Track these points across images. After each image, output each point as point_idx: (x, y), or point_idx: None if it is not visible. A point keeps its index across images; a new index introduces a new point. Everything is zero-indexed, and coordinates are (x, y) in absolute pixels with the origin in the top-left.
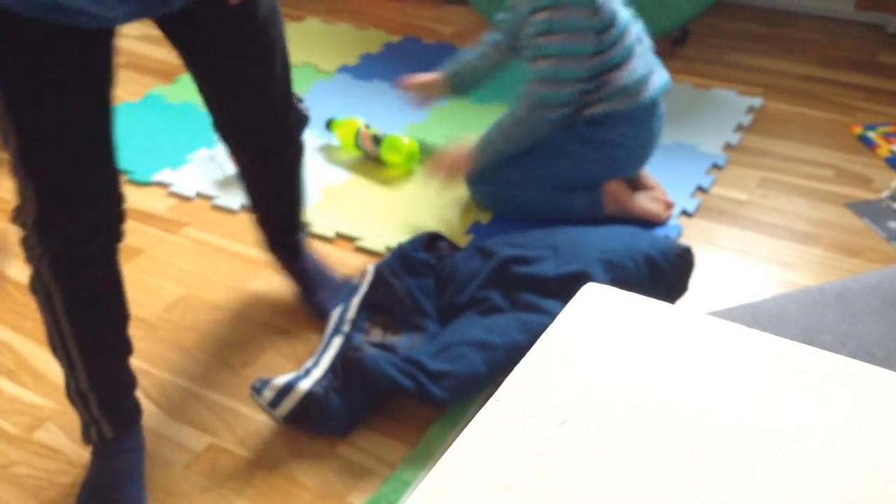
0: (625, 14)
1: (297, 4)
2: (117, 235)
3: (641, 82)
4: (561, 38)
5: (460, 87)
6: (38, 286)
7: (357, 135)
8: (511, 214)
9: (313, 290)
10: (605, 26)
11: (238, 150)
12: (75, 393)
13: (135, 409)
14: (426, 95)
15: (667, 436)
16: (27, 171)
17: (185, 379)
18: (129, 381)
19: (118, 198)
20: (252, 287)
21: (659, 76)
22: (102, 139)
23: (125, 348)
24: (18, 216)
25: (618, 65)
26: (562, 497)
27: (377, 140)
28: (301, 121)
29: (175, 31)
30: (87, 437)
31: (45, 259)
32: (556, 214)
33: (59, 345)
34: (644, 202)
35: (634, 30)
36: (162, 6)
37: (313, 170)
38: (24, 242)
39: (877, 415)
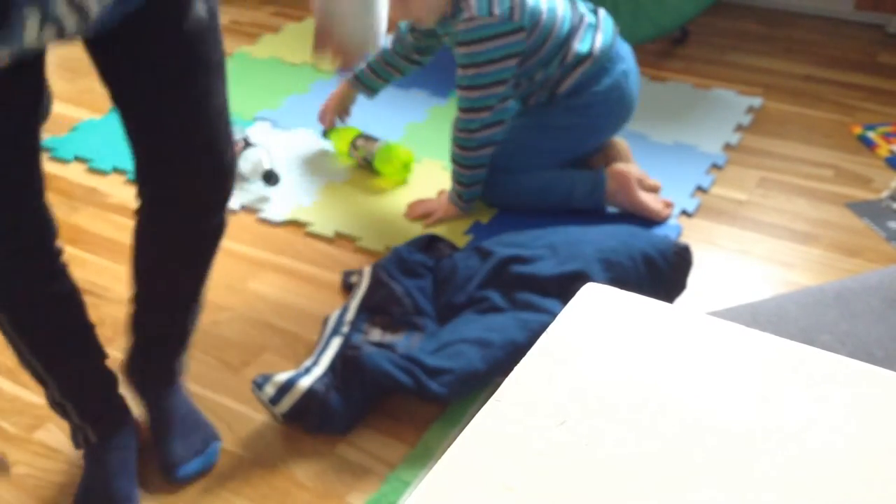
0: (543, 5)
1: (297, 4)
2: (57, 253)
3: (589, 50)
4: (487, 67)
5: (369, 89)
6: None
7: (352, 145)
8: (513, 205)
9: (169, 435)
10: (529, 34)
11: (159, 200)
12: (54, 403)
13: (118, 409)
14: (343, 108)
15: (667, 436)
16: None
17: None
18: (106, 383)
19: (49, 222)
20: (252, 287)
21: (604, 30)
22: (29, 171)
23: (94, 355)
24: None
25: (560, 48)
26: (562, 497)
27: (367, 161)
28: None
29: (104, 55)
30: (76, 442)
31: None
32: (557, 200)
33: (25, 364)
34: (646, 197)
35: (562, 10)
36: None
37: (313, 170)
38: None
39: (877, 415)
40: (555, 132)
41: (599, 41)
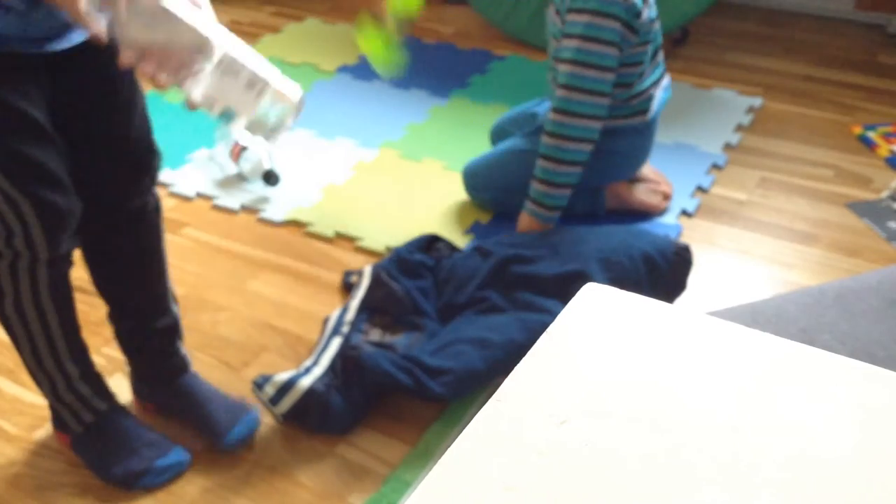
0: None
1: (297, 4)
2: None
3: (650, 101)
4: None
5: None
6: (25, 310)
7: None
8: (514, 213)
9: (205, 412)
10: (641, 43)
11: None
12: (68, 393)
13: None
14: None
15: (667, 436)
16: (18, 189)
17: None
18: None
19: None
20: (252, 287)
21: (664, 89)
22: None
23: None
24: (8, 246)
25: (633, 82)
26: (562, 497)
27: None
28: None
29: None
30: (78, 423)
31: (43, 274)
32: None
33: (48, 357)
34: (642, 194)
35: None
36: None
37: (313, 170)
38: (12, 271)
39: (877, 415)
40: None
41: (658, 102)
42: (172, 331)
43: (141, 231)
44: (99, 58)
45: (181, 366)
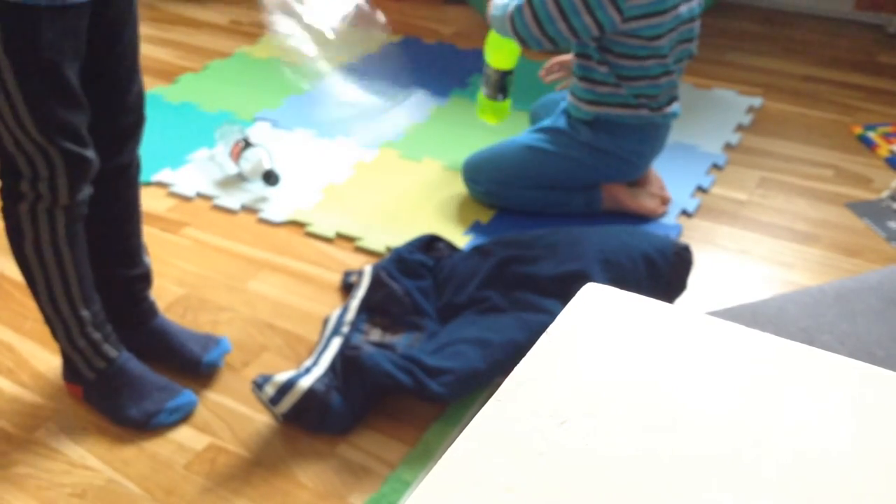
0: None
1: None
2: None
3: (662, 97)
4: None
5: None
6: (44, 252)
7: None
8: (511, 209)
9: (177, 343)
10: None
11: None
12: (82, 338)
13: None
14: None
15: (667, 436)
16: (47, 136)
17: (184, 379)
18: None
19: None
20: (252, 287)
21: (677, 104)
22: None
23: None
24: (32, 188)
25: (648, 68)
26: (562, 497)
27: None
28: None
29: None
30: (90, 370)
31: (61, 218)
32: (554, 210)
33: (64, 302)
34: (641, 198)
35: (676, 52)
36: None
37: (313, 170)
38: (32, 212)
39: (877, 415)
40: (562, 163)
41: (670, 109)
42: (145, 279)
43: (121, 187)
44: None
45: (151, 311)
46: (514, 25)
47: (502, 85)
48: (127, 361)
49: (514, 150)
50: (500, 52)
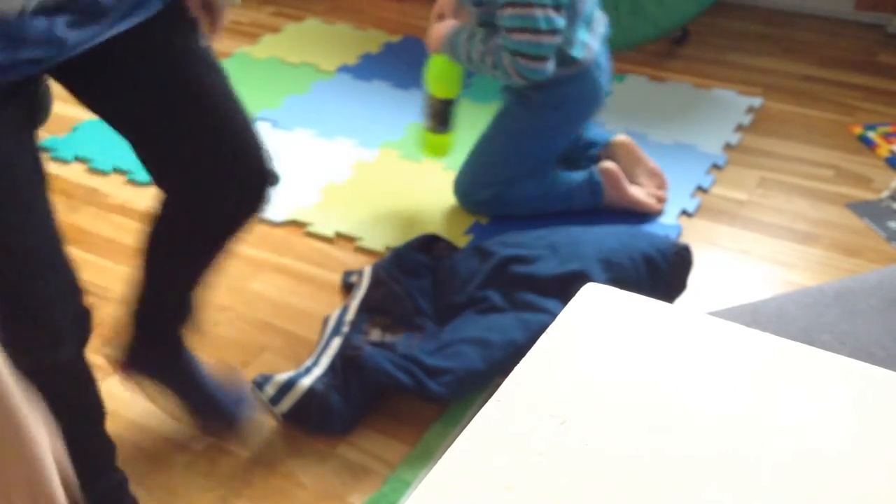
0: None
1: (297, 4)
2: (88, 332)
3: (586, 52)
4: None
5: None
6: None
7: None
8: (515, 214)
9: (208, 391)
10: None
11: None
12: None
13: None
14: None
15: (667, 436)
16: None
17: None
18: (121, 484)
19: (80, 291)
20: (252, 287)
21: (600, 34)
22: (51, 223)
23: (111, 447)
24: None
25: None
26: (562, 497)
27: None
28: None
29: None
30: None
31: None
32: (559, 206)
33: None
34: (639, 194)
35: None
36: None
37: (313, 170)
38: None
39: (877, 415)
40: (530, 134)
41: (593, 49)
42: (186, 319)
43: (210, 246)
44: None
45: (180, 345)
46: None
47: (445, 116)
48: None
49: (495, 147)
50: (443, 80)
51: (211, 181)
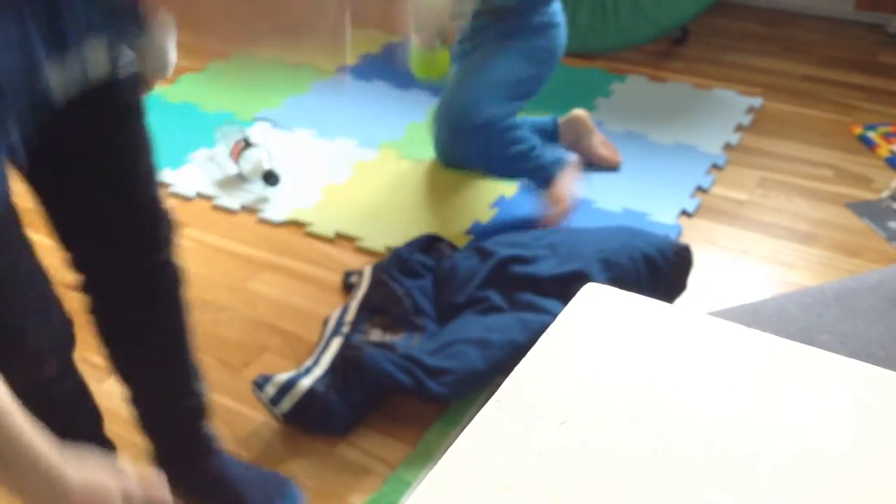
0: None
1: None
2: (71, 342)
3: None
4: None
5: None
6: None
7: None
8: (493, 155)
9: (242, 495)
10: None
11: (108, 286)
12: None
13: None
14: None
15: (667, 435)
16: None
17: None
18: None
19: (56, 301)
20: (252, 287)
21: None
22: (23, 243)
23: (111, 451)
24: None
25: None
26: (562, 497)
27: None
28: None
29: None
30: None
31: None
32: (525, 142)
33: None
34: (596, 145)
35: None
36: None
37: (313, 170)
38: None
39: (877, 415)
40: (531, 57)
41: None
42: (198, 412)
43: (161, 308)
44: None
45: (207, 447)
46: None
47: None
48: None
49: (495, 66)
50: None
51: (122, 245)
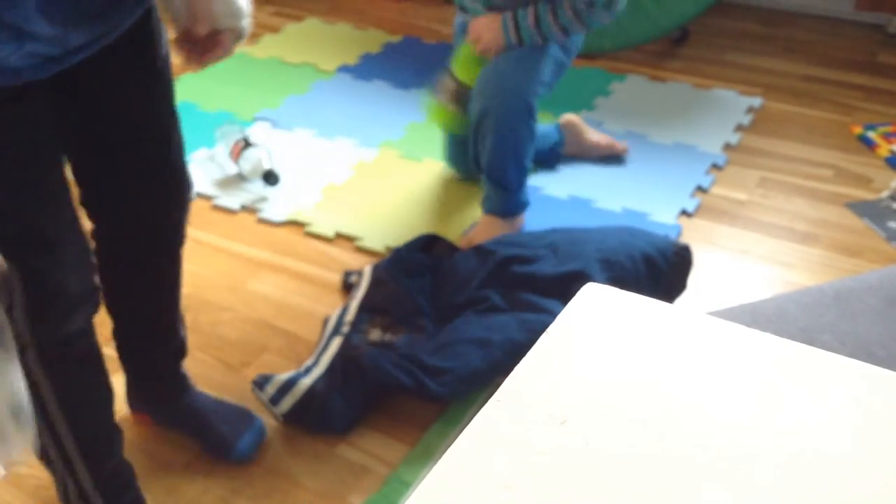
0: None
1: (297, 4)
2: (97, 305)
3: None
4: None
5: None
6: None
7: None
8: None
9: (210, 425)
10: None
11: (118, 223)
12: (77, 499)
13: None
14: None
15: (667, 436)
16: (7, 255)
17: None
18: (128, 475)
19: (92, 265)
20: (252, 287)
21: None
22: (68, 205)
23: (119, 435)
24: None
25: None
26: (562, 497)
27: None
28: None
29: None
30: None
31: (31, 351)
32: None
33: (53, 450)
34: (594, 135)
35: None
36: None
37: (313, 170)
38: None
39: (877, 415)
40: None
41: None
42: (178, 353)
43: (167, 262)
44: (126, 61)
45: (182, 385)
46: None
47: (461, 98)
48: None
49: (537, 53)
50: (469, 67)
51: (141, 202)
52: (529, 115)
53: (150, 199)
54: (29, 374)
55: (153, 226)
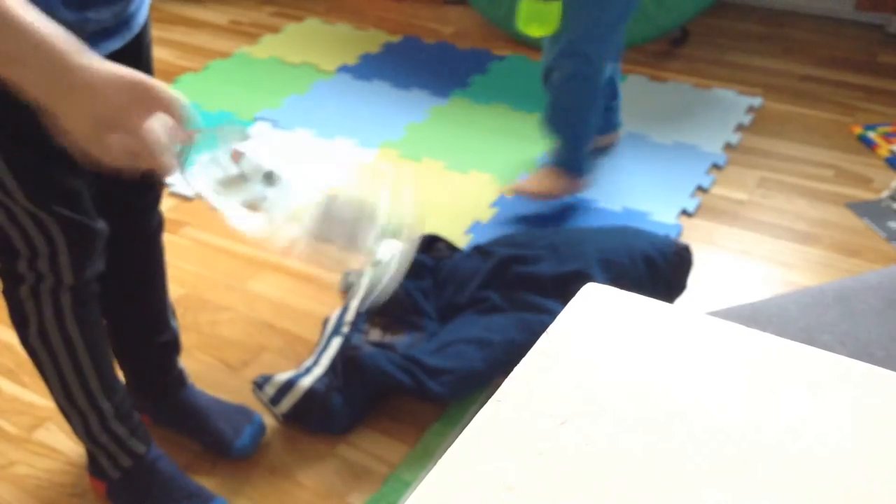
0: None
1: (297, 4)
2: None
3: None
4: None
5: None
6: (51, 338)
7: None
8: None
9: (209, 422)
10: None
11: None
12: (103, 434)
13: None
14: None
15: (666, 435)
16: (42, 206)
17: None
18: (130, 404)
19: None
20: (252, 287)
21: None
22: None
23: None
24: (31, 268)
25: None
26: (562, 497)
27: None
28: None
29: None
30: (115, 468)
31: (67, 300)
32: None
33: (79, 392)
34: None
35: None
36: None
37: (314, 170)
38: (34, 295)
39: (877, 415)
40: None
41: None
42: (172, 346)
43: (145, 249)
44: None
45: (180, 380)
46: None
47: None
48: (156, 461)
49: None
50: (534, 23)
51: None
52: (594, 76)
53: (118, 180)
54: (62, 322)
55: (127, 209)
